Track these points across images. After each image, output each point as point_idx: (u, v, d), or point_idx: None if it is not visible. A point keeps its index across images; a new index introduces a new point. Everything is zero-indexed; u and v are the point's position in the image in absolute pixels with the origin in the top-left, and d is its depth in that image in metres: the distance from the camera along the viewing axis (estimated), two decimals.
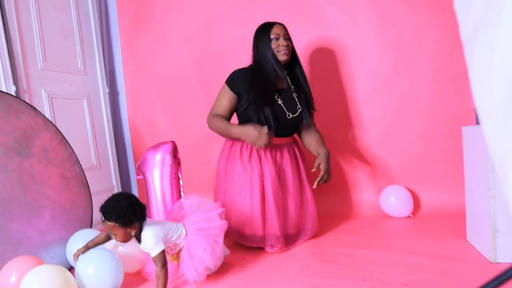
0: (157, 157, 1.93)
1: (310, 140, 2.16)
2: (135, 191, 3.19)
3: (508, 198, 0.72)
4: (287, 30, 2.09)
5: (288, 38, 2.08)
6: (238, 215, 1.95)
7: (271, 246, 1.94)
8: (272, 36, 2.05)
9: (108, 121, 3.02)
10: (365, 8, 2.53)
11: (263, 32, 2.08)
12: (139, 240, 1.53)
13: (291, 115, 2.06)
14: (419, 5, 2.47)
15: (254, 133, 1.91)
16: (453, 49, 2.39)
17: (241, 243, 1.99)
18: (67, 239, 1.87)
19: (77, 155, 2.13)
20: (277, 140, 2.06)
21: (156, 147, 1.97)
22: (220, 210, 1.67)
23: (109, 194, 3.00)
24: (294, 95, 2.11)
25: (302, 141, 2.23)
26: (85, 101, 2.85)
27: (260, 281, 1.60)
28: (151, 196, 1.92)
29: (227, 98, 2.09)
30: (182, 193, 1.97)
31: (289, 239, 2.01)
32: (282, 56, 2.04)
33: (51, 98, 2.53)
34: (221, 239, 1.61)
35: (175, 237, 1.57)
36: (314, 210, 2.11)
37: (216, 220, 1.64)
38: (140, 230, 1.51)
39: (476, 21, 0.76)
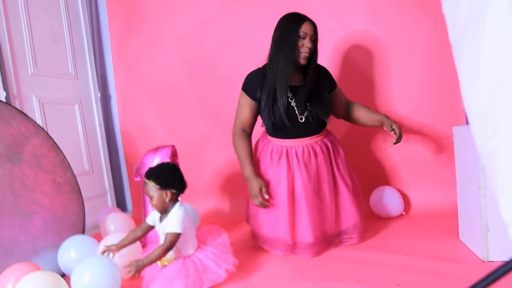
0: (155, 160, 1.92)
1: (358, 116, 2.08)
2: (128, 196, 3.18)
3: (497, 198, 0.72)
4: (316, 31, 1.91)
5: (314, 39, 1.90)
6: (265, 219, 1.94)
7: (301, 253, 1.88)
8: (300, 34, 1.86)
9: (100, 126, 3.00)
10: (357, 9, 2.55)
11: (292, 25, 1.89)
12: (163, 216, 1.59)
13: (303, 119, 1.93)
14: (410, 6, 2.48)
15: (255, 192, 1.88)
16: (444, 50, 2.41)
17: (267, 249, 1.97)
18: (59, 245, 1.85)
19: (69, 160, 2.12)
20: (306, 140, 1.95)
21: (155, 150, 1.96)
22: (230, 266, 1.62)
23: (103, 199, 3.01)
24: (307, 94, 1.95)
25: (351, 121, 2.15)
26: (76, 106, 2.83)
27: (253, 283, 1.60)
28: (147, 200, 1.91)
29: (247, 106, 1.97)
30: (179, 198, 1.96)
31: (326, 243, 1.94)
32: (302, 60, 1.88)
33: (42, 104, 2.51)
34: (207, 285, 1.54)
35: (184, 242, 1.59)
36: (354, 209, 1.97)
37: (221, 268, 1.58)
38: (173, 203, 1.59)
39: (463, 24, 0.77)
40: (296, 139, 1.95)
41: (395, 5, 2.50)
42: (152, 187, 1.57)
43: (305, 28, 1.87)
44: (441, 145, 2.48)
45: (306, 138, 1.95)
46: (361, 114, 2.08)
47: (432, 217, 2.30)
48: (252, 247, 2.06)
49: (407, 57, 2.51)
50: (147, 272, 1.56)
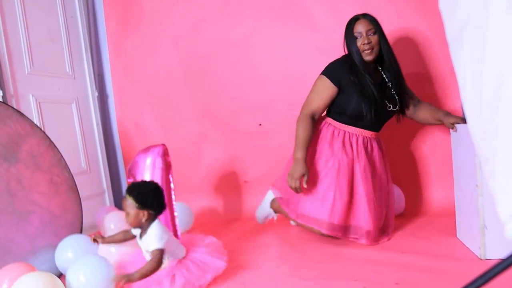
0: (147, 160, 1.92)
1: (423, 114, 2.11)
2: None
3: (494, 196, 0.73)
4: (373, 23, 1.97)
5: (373, 33, 1.95)
6: (316, 200, 1.96)
7: (356, 239, 1.94)
8: (355, 35, 1.96)
9: (97, 125, 2.99)
10: (352, 8, 2.55)
11: (348, 29, 2.00)
12: (143, 232, 1.56)
13: (391, 107, 2.04)
14: (407, 4, 2.49)
15: (297, 175, 1.90)
16: (441, 47, 2.41)
17: (315, 230, 1.97)
18: (56, 245, 1.85)
19: (66, 160, 2.11)
20: (368, 133, 2.05)
21: (146, 150, 1.95)
22: (216, 272, 1.61)
23: (101, 198, 3.00)
24: (389, 89, 2.07)
25: (417, 120, 2.18)
26: (74, 105, 2.82)
27: (251, 282, 1.59)
28: None
29: (328, 91, 1.99)
30: (173, 197, 1.96)
31: (377, 234, 1.98)
32: (366, 57, 1.95)
33: (39, 103, 2.50)
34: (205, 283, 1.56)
35: (170, 254, 1.57)
36: (394, 208, 2.12)
37: (208, 274, 1.58)
38: (149, 223, 1.55)
39: (462, 23, 0.77)
40: (360, 129, 2.03)
41: (391, 3, 2.50)
42: (130, 204, 1.53)
43: (357, 28, 1.96)
44: (438, 144, 2.48)
45: (368, 131, 2.05)
46: (425, 114, 2.12)
47: (429, 215, 2.31)
48: (249, 246, 2.06)
49: (403, 56, 2.51)
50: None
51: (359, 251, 1.83)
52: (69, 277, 1.53)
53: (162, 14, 2.86)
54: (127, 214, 1.54)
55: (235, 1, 2.73)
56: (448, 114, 1.99)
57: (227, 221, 2.61)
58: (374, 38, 1.95)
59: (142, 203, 1.52)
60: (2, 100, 2.21)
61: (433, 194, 2.47)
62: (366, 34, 1.94)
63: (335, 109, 2.06)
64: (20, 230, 1.77)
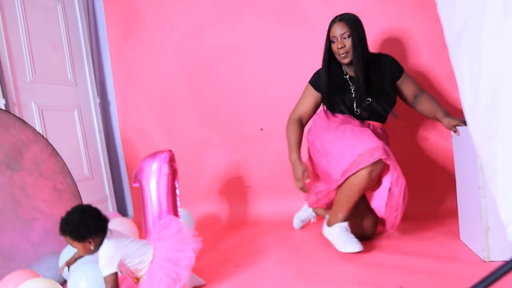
0: (153, 166, 1.91)
1: (421, 110, 2.09)
2: (129, 201, 3.18)
3: (496, 198, 0.73)
4: (349, 25, 1.95)
5: (347, 36, 1.94)
6: (348, 147, 1.88)
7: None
8: (331, 39, 2.00)
9: (99, 132, 3.00)
10: (352, 9, 2.55)
11: (328, 32, 2.02)
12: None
13: (359, 111, 2.04)
14: (407, 6, 2.49)
15: (298, 175, 1.98)
16: (441, 50, 2.41)
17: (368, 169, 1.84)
18: (60, 252, 1.85)
19: (69, 167, 2.12)
20: (370, 122, 2.07)
21: (153, 155, 1.95)
22: (195, 244, 1.59)
23: (104, 204, 3.01)
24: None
25: (418, 112, 2.13)
26: (76, 112, 2.83)
27: (255, 286, 1.59)
28: (147, 205, 1.90)
29: (312, 98, 2.12)
30: (178, 203, 1.95)
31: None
32: (342, 60, 1.99)
33: (41, 110, 2.51)
34: (185, 273, 1.51)
35: (136, 262, 1.50)
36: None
37: (187, 251, 1.55)
38: (100, 244, 1.46)
39: (460, 25, 0.77)
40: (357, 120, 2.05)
41: (390, 4, 2.51)
42: (70, 240, 1.43)
43: (333, 31, 1.99)
44: (440, 146, 2.48)
45: (367, 121, 2.07)
46: (424, 109, 2.08)
47: (432, 218, 2.30)
48: (252, 250, 2.06)
49: (403, 58, 2.52)
50: None
51: (362, 254, 1.83)
52: (70, 284, 1.54)
53: (163, 20, 2.88)
54: (77, 249, 1.46)
55: (235, 7, 2.75)
56: (448, 115, 1.97)
57: (231, 226, 2.61)
58: (348, 42, 1.95)
59: (80, 238, 1.42)
60: (4, 109, 2.23)
61: (436, 197, 2.47)
62: (341, 38, 1.95)
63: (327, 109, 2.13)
64: (24, 237, 1.78)
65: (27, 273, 1.53)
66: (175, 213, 1.93)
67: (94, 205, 1.52)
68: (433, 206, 2.44)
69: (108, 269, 1.42)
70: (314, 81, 2.12)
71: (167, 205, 1.89)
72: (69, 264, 1.58)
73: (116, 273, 1.44)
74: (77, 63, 2.89)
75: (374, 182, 1.90)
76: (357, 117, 2.05)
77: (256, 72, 2.73)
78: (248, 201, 2.78)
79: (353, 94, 2.02)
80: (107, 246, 1.45)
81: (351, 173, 1.84)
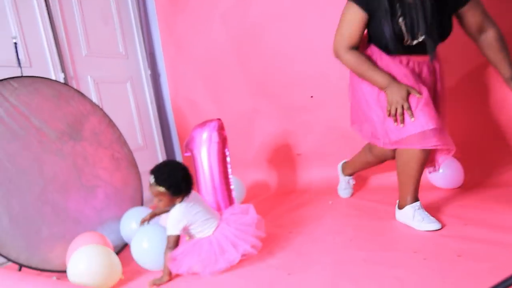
0: (204, 135, 1.94)
1: (486, 53, 1.78)
2: None
3: None
4: None
5: None
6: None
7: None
8: None
9: (151, 102, 3.09)
10: None
11: None
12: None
13: (409, 41, 1.68)
14: None
15: (403, 94, 1.62)
16: None
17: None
18: (120, 217, 1.96)
19: (124, 137, 2.21)
20: (416, 57, 1.76)
21: (202, 125, 1.98)
22: (256, 242, 1.58)
23: None
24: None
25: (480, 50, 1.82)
26: (128, 84, 2.92)
27: (306, 253, 1.61)
28: (199, 174, 1.95)
29: (358, 20, 1.70)
30: (229, 170, 1.99)
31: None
32: None
33: (96, 83, 2.62)
34: (226, 263, 1.50)
35: (197, 230, 1.56)
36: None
37: (244, 246, 1.54)
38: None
39: None
40: (406, 55, 1.75)
41: None
42: (162, 193, 1.49)
43: None
44: (503, 107, 2.32)
45: (417, 55, 1.75)
46: (486, 54, 1.78)
47: (491, 187, 2.19)
48: (303, 218, 2.07)
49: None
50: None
51: None
52: (133, 244, 1.63)
53: None
54: (160, 201, 1.51)
55: None
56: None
57: (281, 193, 2.64)
58: None
59: (177, 193, 1.50)
60: (64, 82, 2.34)
61: (496, 165, 2.34)
62: None
63: (375, 39, 1.78)
64: (88, 203, 1.89)
65: (96, 236, 1.64)
66: (226, 181, 1.97)
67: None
68: (493, 175, 2.32)
69: (173, 230, 1.51)
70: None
71: (219, 173, 1.93)
72: (146, 220, 1.69)
73: (178, 236, 1.52)
74: (127, 36, 2.96)
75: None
76: (405, 50, 1.72)
77: (306, 38, 2.65)
78: (298, 169, 2.78)
79: (406, 21, 1.65)
80: (179, 210, 1.52)
81: (401, 147, 1.74)
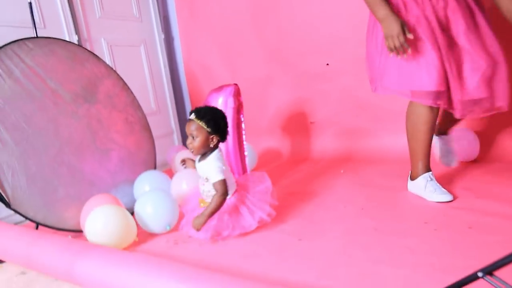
0: (219, 99, 1.92)
1: (501, 4, 1.61)
2: None
3: None
4: None
5: None
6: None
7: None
8: None
9: (165, 66, 3.07)
10: None
11: None
12: (202, 158, 1.55)
13: None
14: None
15: (397, 30, 1.56)
16: None
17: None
18: (134, 180, 1.99)
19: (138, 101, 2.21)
20: None
21: (219, 89, 1.96)
22: (270, 211, 1.59)
23: (170, 138, 3.14)
24: None
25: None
26: (142, 48, 2.90)
27: (317, 220, 1.62)
28: None
29: None
30: (244, 137, 1.98)
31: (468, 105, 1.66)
32: None
33: (110, 46, 2.60)
34: (238, 230, 1.52)
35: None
36: (505, 74, 1.62)
37: (259, 214, 1.55)
38: (212, 150, 1.54)
39: None
40: None
41: None
42: (200, 127, 1.48)
43: None
44: None
45: None
46: (501, 5, 1.61)
47: (505, 162, 2.17)
48: (315, 186, 2.08)
49: None
50: (186, 214, 1.62)
51: None
52: (137, 209, 1.64)
53: None
54: (194, 138, 1.50)
55: None
56: None
57: (293, 161, 2.64)
58: None
59: (214, 128, 1.50)
60: (78, 44, 2.32)
61: (508, 139, 2.30)
62: None
63: None
64: (103, 166, 1.92)
65: (110, 197, 1.67)
66: (240, 147, 1.97)
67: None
68: (507, 150, 2.29)
69: (218, 176, 1.48)
70: None
71: (233, 139, 1.93)
72: (189, 165, 1.67)
73: (224, 180, 1.49)
74: None
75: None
76: None
77: (321, 5, 2.58)
78: (311, 138, 2.77)
79: None
80: (218, 157, 1.53)
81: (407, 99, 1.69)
